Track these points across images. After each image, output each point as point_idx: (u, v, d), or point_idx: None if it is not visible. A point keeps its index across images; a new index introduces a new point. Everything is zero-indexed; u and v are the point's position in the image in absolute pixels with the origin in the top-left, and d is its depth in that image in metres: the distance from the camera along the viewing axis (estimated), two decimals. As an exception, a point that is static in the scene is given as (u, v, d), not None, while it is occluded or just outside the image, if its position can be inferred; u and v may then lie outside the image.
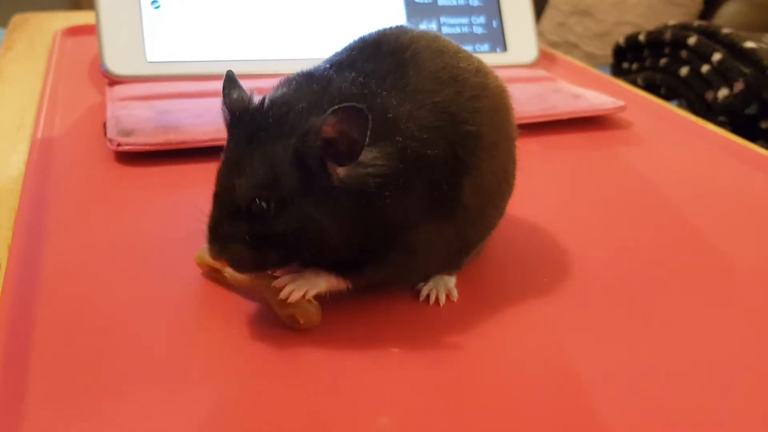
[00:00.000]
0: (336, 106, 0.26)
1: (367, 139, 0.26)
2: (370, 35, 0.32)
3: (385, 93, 0.28)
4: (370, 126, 0.26)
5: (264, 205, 0.27)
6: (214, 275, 0.33)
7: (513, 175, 0.34)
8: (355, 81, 0.28)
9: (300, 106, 0.27)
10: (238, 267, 0.29)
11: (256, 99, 0.29)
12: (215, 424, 0.25)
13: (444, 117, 0.29)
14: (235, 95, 0.29)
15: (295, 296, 0.29)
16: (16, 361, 0.27)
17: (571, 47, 1.64)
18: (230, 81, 0.30)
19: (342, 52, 0.31)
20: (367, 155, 0.27)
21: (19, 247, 0.34)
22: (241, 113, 0.29)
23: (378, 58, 0.30)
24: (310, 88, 0.28)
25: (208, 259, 0.31)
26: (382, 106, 0.28)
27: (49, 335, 0.29)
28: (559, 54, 0.78)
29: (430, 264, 0.32)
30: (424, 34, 0.32)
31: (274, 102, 0.28)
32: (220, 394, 0.27)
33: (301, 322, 0.29)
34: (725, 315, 0.34)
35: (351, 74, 0.29)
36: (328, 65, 0.30)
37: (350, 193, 0.27)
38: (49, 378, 0.27)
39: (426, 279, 0.33)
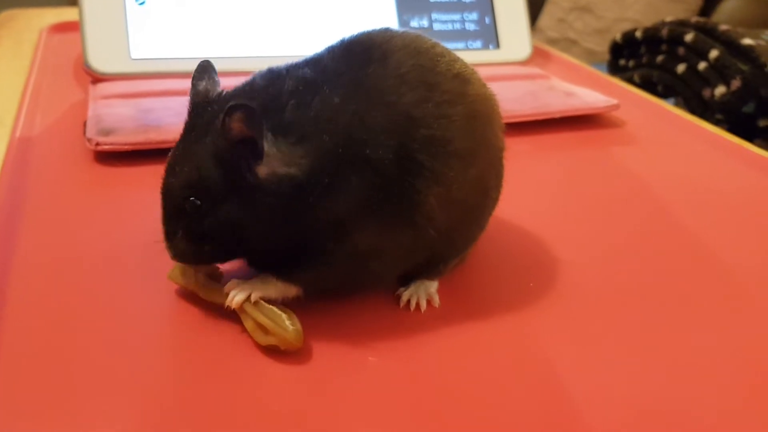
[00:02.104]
0: (228, 105, 0.25)
1: (292, 137, 0.27)
2: (351, 36, 0.31)
3: (329, 90, 0.27)
4: (262, 123, 0.26)
5: (197, 202, 0.27)
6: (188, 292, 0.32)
7: (496, 188, 0.33)
8: (301, 78, 0.28)
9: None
10: (180, 260, 0.30)
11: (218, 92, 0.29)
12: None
13: (401, 119, 0.28)
14: (201, 86, 0.29)
15: (239, 299, 0.28)
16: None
17: (570, 43, 1.63)
18: (201, 71, 0.30)
19: (319, 51, 0.30)
20: (288, 154, 0.27)
21: (-10, 249, 0.34)
22: (194, 105, 0.29)
23: (345, 57, 0.29)
24: (257, 85, 0.28)
25: (180, 279, 0.31)
26: (319, 103, 0.27)
27: (19, 336, 0.28)
28: (554, 51, 0.77)
29: (386, 269, 0.31)
30: (404, 35, 0.31)
31: (217, 98, 0.29)
32: (191, 402, 0.26)
33: (282, 349, 0.28)
34: (718, 318, 0.33)
35: (303, 71, 0.28)
36: (293, 63, 0.29)
37: (272, 192, 0.27)
38: (16, 379, 0.26)
39: (405, 283, 0.32)
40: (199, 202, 0.27)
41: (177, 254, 0.29)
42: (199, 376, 0.27)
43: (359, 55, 0.29)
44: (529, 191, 0.45)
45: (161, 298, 0.32)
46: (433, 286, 0.33)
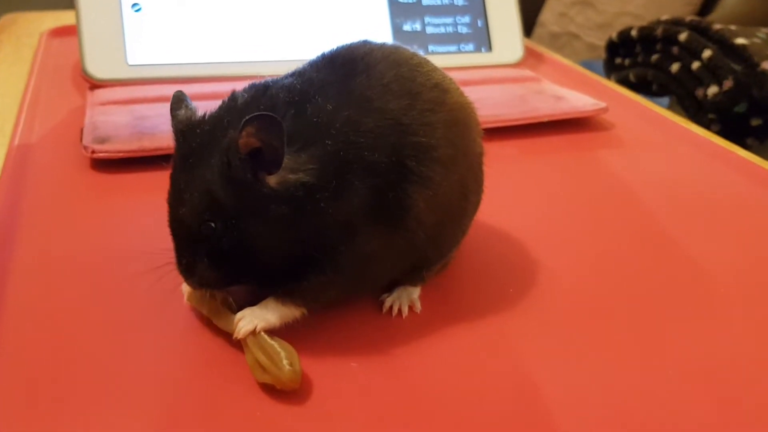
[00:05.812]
0: (247, 117, 0.26)
1: (295, 145, 0.27)
2: (332, 50, 0.32)
3: (321, 99, 0.28)
4: (284, 132, 0.26)
5: (212, 224, 0.28)
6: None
7: (476, 193, 0.34)
8: (292, 88, 0.29)
9: (226, 120, 0.28)
10: (207, 287, 0.30)
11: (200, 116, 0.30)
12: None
13: (391, 125, 0.29)
14: (181, 115, 0.30)
15: (245, 330, 0.29)
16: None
17: (572, 38, 1.63)
18: (177, 101, 0.30)
19: (300, 66, 0.31)
20: (295, 161, 0.27)
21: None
22: (181, 133, 0.29)
23: (329, 69, 0.30)
24: (243, 100, 0.29)
25: (197, 304, 0.31)
26: (314, 111, 0.28)
27: (15, 343, 0.29)
28: (546, 51, 0.78)
29: (383, 273, 0.32)
30: (383, 47, 0.32)
31: (205, 120, 0.29)
32: (179, 409, 0.27)
33: (278, 388, 0.28)
34: (699, 323, 0.34)
35: (290, 82, 0.29)
36: (275, 77, 0.30)
37: (286, 200, 0.27)
38: (12, 386, 0.27)
39: (389, 290, 0.33)
40: (214, 225, 0.28)
41: (199, 282, 0.29)
42: (186, 366, 0.29)
43: (343, 67, 0.30)
44: (515, 195, 0.45)
45: (158, 305, 0.32)
46: (415, 292, 0.34)
